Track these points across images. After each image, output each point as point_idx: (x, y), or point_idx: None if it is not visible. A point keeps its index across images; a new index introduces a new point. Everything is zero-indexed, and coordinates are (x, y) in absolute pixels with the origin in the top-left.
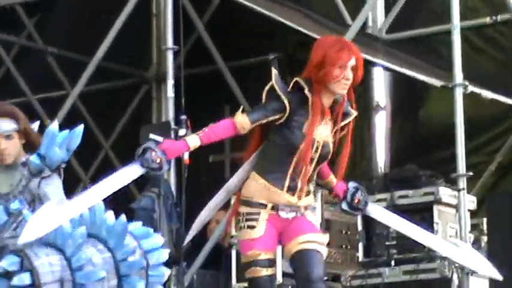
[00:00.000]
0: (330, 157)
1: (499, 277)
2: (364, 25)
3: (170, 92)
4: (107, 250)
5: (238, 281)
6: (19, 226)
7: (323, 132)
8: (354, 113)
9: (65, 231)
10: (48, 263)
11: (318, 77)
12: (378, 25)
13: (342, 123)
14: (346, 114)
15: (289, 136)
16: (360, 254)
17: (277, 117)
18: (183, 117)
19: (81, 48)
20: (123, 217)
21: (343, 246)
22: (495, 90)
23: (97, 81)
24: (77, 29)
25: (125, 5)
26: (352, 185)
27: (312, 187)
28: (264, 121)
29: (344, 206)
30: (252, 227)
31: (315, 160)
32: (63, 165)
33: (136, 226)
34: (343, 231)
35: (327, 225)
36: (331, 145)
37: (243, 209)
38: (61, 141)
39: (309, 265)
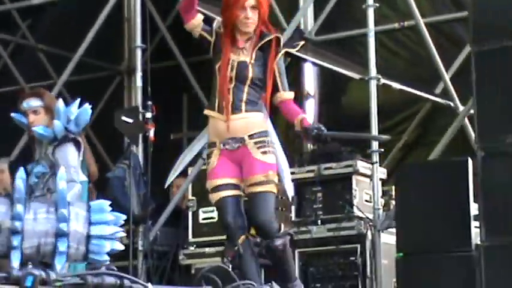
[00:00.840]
0: (253, 80)
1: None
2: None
3: (139, 82)
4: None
5: (193, 236)
6: (45, 186)
7: (240, 56)
8: (273, 35)
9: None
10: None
11: (225, 18)
12: (308, 28)
13: (260, 44)
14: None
15: (216, 61)
16: (293, 215)
17: (208, 37)
18: (149, 103)
19: (66, 46)
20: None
21: (279, 208)
22: (403, 82)
23: (78, 73)
24: (62, 29)
25: (102, 11)
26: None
27: (244, 107)
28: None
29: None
30: (209, 163)
31: (234, 78)
32: (72, 136)
33: (97, 202)
34: (279, 197)
35: None
36: (251, 68)
37: (206, 151)
38: (62, 115)
39: (254, 209)
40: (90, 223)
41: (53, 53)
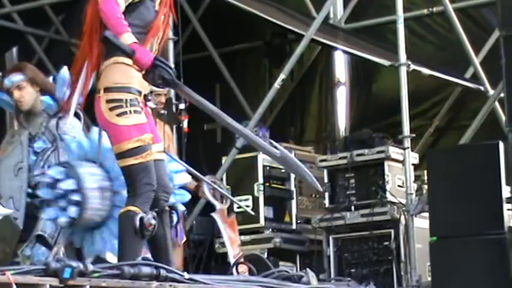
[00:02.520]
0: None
1: (318, 188)
2: (327, 17)
3: None
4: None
5: None
6: (46, 163)
7: None
8: None
9: (105, 148)
10: (89, 173)
11: None
12: (337, 17)
13: None
14: None
15: (145, 13)
16: (327, 201)
17: None
18: None
19: None
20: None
21: (312, 195)
22: (433, 68)
23: None
24: None
25: None
26: None
27: None
28: None
29: None
30: (139, 112)
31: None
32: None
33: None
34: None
35: (299, 180)
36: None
37: (124, 96)
38: (66, 83)
39: (158, 176)
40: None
41: None
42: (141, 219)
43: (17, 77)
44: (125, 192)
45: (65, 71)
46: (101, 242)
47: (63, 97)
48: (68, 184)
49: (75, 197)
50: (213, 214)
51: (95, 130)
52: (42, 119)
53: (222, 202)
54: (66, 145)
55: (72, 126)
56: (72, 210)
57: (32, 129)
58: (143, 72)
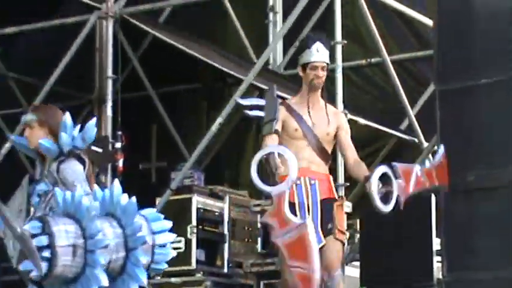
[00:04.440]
0: None
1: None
2: (267, 62)
3: (109, 112)
4: (119, 227)
5: None
6: (48, 205)
7: None
8: None
9: (83, 205)
10: (64, 230)
11: None
12: (277, 62)
13: None
14: None
15: None
16: (259, 246)
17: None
18: (119, 133)
19: (38, 74)
20: (133, 199)
21: (245, 239)
22: (369, 118)
23: (49, 102)
24: (34, 58)
25: (74, 40)
26: None
27: None
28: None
29: None
30: None
31: None
32: (78, 151)
33: (149, 211)
34: (246, 228)
35: (232, 223)
36: None
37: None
38: (68, 129)
39: None
40: (153, 233)
41: (24, 81)
42: None
43: (29, 117)
44: (98, 252)
45: (67, 116)
46: None
47: (60, 140)
48: (40, 240)
49: (46, 254)
50: None
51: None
52: (48, 162)
53: None
54: (55, 197)
55: (72, 171)
56: (43, 266)
57: (40, 171)
58: None
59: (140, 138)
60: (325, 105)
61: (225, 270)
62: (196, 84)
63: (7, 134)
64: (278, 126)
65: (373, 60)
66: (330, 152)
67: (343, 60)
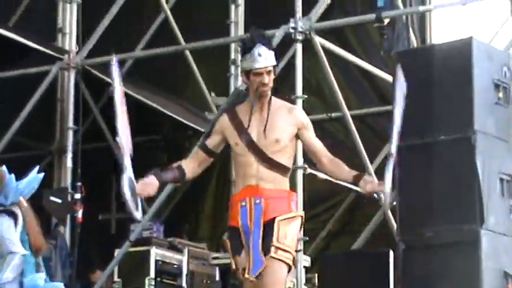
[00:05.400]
0: None
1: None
2: None
3: (69, 163)
4: None
5: None
6: None
7: None
8: None
9: None
10: None
11: None
12: None
13: None
14: None
15: None
16: None
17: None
18: (79, 184)
19: None
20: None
21: None
22: None
23: (9, 151)
24: None
25: (35, 90)
26: None
27: None
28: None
29: None
30: None
31: None
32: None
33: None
34: (204, 281)
35: (191, 276)
36: None
37: None
38: None
39: None
40: None
41: None
42: None
43: None
44: None
45: (12, 178)
46: None
47: None
48: None
49: None
50: None
51: None
52: None
53: None
54: None
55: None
56: None
57: None
58: None
59: (100, 189)
60: (278, 108)
61: None
62: (156, 135)
63: None
64: (211, 140)
65: (333, 114)
66: (285, 161)
67: None
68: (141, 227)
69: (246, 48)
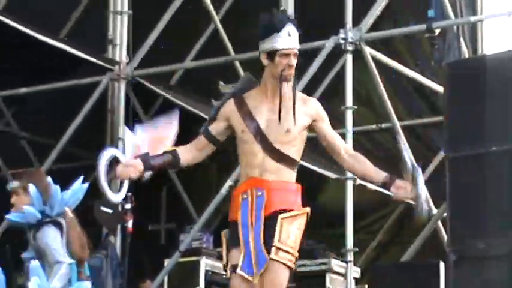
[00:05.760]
0: None
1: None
2: None
3: None
4: None
5: None
6: (28, 273)
7: None
8: None
9: None
10: None
11: None
12: None
13: None
14: None
15: None
16: None
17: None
18: (129, 194)
19: (50, 134)
20: None
21: None
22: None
23: (61, 162)
24: (46, 119)
25: (86, 101)
26: None
27: None
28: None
29: None
30: None
31: None
32: (48, 219)
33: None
34: None
35: None
36: None
37: None
38: (34, 200)
39: None
40: None
41: (36, 141)
42: None
43: (14, 184)
44: None
45: (31, 189)
46: None
47: (30, 214)
48: None
49: None
50: None
51: None
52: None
53: None
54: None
55: (45, 240)
56: None
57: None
58: None
59: (150, 200)
60: (293, 97)
61: None
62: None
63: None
64: (215, 125)
65: (383, 125)
66: (293, 154)
67: (354, 125)
68: (190, 237)
69: (273, 28)
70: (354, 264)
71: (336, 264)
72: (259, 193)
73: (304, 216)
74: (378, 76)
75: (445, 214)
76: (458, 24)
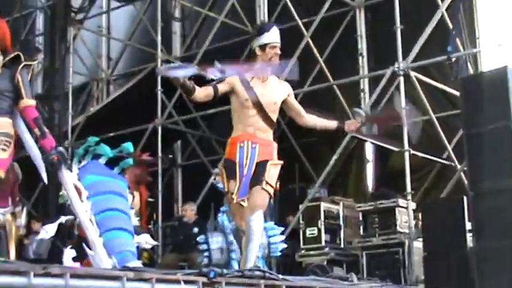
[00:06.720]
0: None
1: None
2: None
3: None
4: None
5: (304, 244)
6: None
7: None
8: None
9: (226, 226)
10: (216, 240)
11: None
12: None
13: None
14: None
15: None
16: (361, 231)
17: None
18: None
19: None
20: None
21: (352, 227)
22: (422, 151)
23: None
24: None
25: None
26: None
27: None
28: None
29: None
30: None
31: None
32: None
33: (267, 224)
34: (352, 220)
35: (344, 219)
36: None
37: None
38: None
39: None
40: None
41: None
42: None
43: None
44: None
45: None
46: None
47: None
48: (203, 247)
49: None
50: None
51: None
52: None
53: None
54: None
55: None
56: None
57: None
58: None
59: (290, 171)
60: (272, 78)
61: (342, 246)
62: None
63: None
64: (221, 86)
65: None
66: (274, 119)
67: None
68: (313, 192)
69: (264, 29)
70: (412, 200)
71: (401, 201)
72: (254, 145)
73: (279, 166)
74: (422, 94)
75: (465, 168)
76: (465, 54)
